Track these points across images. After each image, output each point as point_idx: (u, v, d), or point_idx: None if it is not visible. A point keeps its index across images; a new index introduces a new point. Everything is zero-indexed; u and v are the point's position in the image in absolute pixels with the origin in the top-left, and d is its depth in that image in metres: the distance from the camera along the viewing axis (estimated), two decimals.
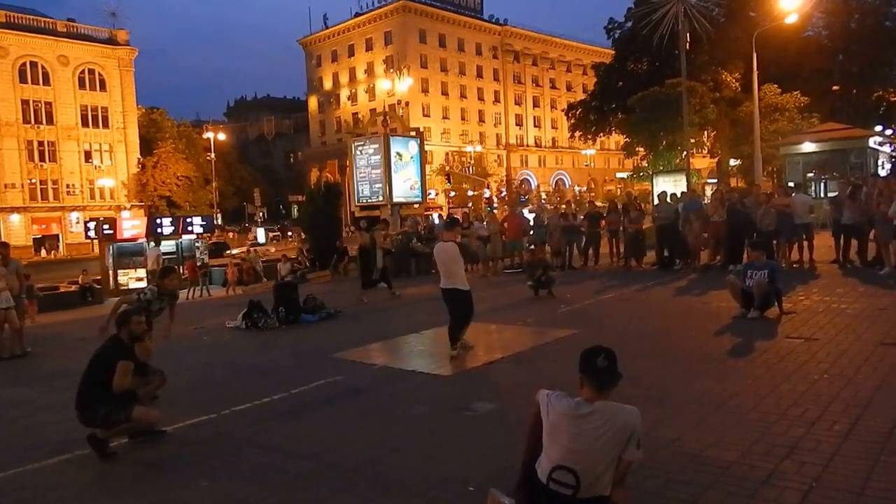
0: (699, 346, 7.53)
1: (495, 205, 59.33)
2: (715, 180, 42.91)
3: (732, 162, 44.40)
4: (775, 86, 39.39)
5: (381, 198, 20.58)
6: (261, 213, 50.90)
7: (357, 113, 78.53)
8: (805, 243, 13.46)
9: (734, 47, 37.98)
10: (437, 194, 64.71)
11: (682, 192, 17.40)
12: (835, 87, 45.72)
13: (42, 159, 59.03)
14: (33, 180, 58.67)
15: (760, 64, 28.85)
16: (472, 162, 72.36)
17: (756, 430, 4.67)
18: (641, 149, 44.01)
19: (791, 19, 30.43)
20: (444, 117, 79.42)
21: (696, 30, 29.73)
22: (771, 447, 4.37)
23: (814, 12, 40.91)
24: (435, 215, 36.20)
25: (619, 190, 72.47)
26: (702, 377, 6.22)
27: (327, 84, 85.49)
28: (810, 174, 24.81)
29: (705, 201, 16.89)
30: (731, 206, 14.11)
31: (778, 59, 37.69)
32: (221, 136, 66.67)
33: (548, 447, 3.38)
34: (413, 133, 23.82)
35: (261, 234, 40.83)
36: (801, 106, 39.94)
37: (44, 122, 58.87)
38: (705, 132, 42.41)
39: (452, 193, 67.17)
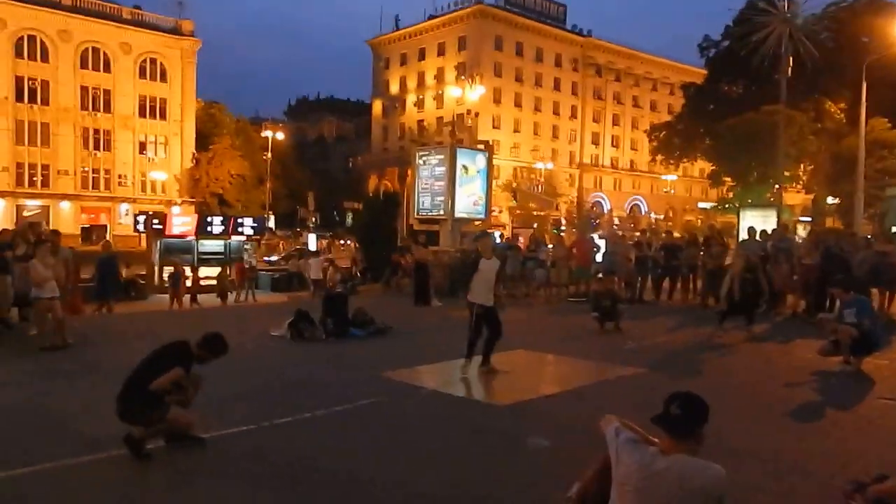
0: (780, 398, 7.36)
1: (563, 227, 58.98)
2: (809, 218, 41.62)
3: (830, 200, 43.01)
4: (885, 120, 38.04)
5: (442, 212, 20.74)
6: (314, 218, 51.63)
7: (423, 120, 79.36)
8: None
9: (841, 75, 36.91)
10: (500, 211, 64.69)
11: (773, 230, 17.00)
12: None
13: (96, 147, 61.18)
14: (86, 168, 60.81)
15: (870, 95, 27.98)
16: (542, 180, 72.09)
17: (839, 499, 4.53)
18: (729, 179, 43.09)
19: None
20: (515, 130, 79.45)
21: (801, 54, 29.12)
22: None
23: None
24: (496, 233, 36.24)
25: (699, 221, 70.98)
26: (782, 434, 6.10)
27: (394, 88, 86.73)
28: None
29: (798, 240, 16.48)
30: (826, 248, 13.72)
31: (890, 92, 36.37)
32: (280, 136, 68.10)
33: (615, 498, 3.34)
34: (481, 146, 23.95)
35: (312, 239, 41.55)
36: None
37: (101, 109, 61.01)
38: (802, 165, 41.26)
39: (518, 212, 67.04)
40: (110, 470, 5.25)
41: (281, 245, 45.43)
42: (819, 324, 8.95)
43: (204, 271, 23.66)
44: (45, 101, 58.74)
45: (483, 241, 9.44)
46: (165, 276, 21.59)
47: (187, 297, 20.03)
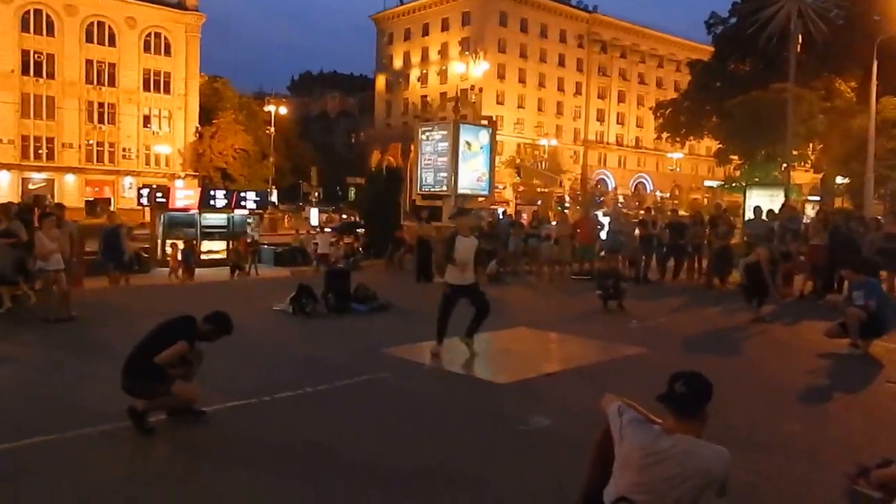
0: (786, 381, 7.24)
1: (567, 204, 58.77)
2: (818, 198, 41.31)
3: (839, 180, 42.62)
4: None
5: (445, 187, 20.57)
6: (316, 193, 51.61)
7: (426, 96, 78.84)
8: None
9: (852, 53, 36.39)
10: (504, 188, 64.44)
11: (781, 209, 16.77)
12: None
13: (101, 121, 61.32)
14: (91, 142, 61.04)
15: (881, 74, 27.58)
16: (546, 156, 71.70)
17: (844, 483, 4.46)
18: (736, 157, 42.73)
19: None
20: (519, 106, 78.92)
21: (810, 32, 28.67)
22: None
23: None
24: (500, 210, 36.05)
25: (705, 200, 70.63)
26: (787, 417, 5.99)
27: (397, 63, 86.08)
28: None
29: (805, 220, 16.27)
30: (834, 228, 13.52)
31: None
32: (283, 111, 67.87)
33: (616, 475, 3.29)
34: (485, 122, 23.75)
35: (314, 214, 41.55)
36: None
37: (106, 83, 61.12)
38: (811, 144, 40.86)
39: (521, 188, 66.76)
40: (117, 442, 5.21)
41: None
42: (830, 304, 8.79)
43: (206, 245, 23.64)
44: (51, 75, 58.97)
45: (460, 218, 8.92)
46: (174, 250, 21.57)
47: (180, 270, 19.98)
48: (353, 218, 35.56)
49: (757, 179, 35.17)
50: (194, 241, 21.83)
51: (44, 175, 58.96)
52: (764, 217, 15.12)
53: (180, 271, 20.07)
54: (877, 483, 4.25)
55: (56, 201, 32.27)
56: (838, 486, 4.44)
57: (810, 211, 23.87)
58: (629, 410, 3.39)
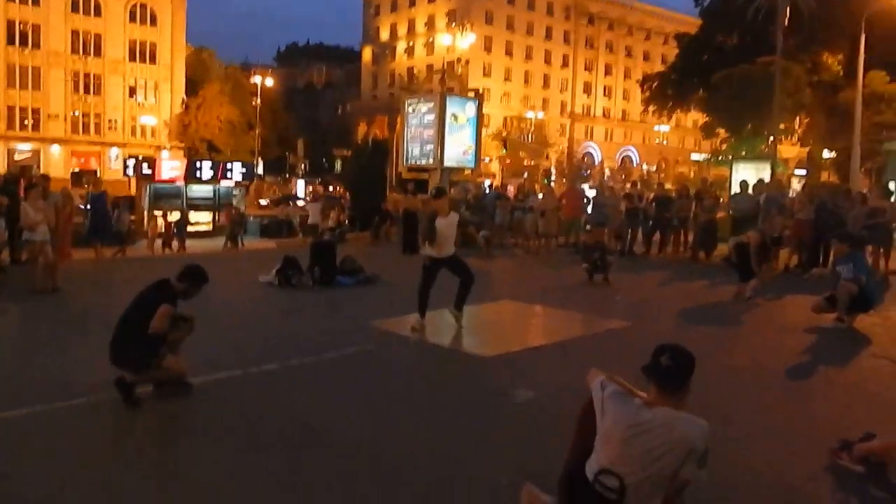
0: (772, 356, 7.18)
1: (553, 177, 58.63)
2: (804, 171, 41.31)
3: (826, 154, 42.62)
4: (884, 73, 37.38)
5: (431, 160, 20.34)
6: (303, 165, 51.29)
7: (413, 68, 78.09)
8: None
9: (839, 27, 36.14)
10: (490, 161, 64.14)
11: (762, 180, 16.66)
12: None
13: (87, 92, 60.86)
14: (76, 112, 60.59)
15: (868, 48, 27.43)
16: (532, 129, 71.35)
17: (826, 458, 4.42)
18: (722, 130, 42.64)
19: None
20: (506, 79, 78.41)
21: (797, 5, 28.46)
22: (842, 478, 4.16)
23: None
24: (486, 182, 35.82)
25: (692, 173, 70.63)
26: (774, 393, 5.96)
27: (384, 35, 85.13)
28: None
29: (791, 194, 16.21)
30: (820, 203, 13.45)
31: (890, 44, 35.67)
32: (269, 82, 67.02)
33: (598, 448, 3.24)
34: (471, 94, 23.47)
35: (301, 185, 41.24)
36: None
37: (91, 53, 60.59)
38: (797, 118, 40.78)
39: (508, 161, 66.49)
40: (105, 413, 5.16)
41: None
42: (816, 278, 8.73)
43: (192, 217, 23.37)
44: (37, 45, 58.46)
45: (437, 200, 8.53)
46: (153, 221, 21.28)
47: (159, 241, 19.70)
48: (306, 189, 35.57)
49: (743, 153, 35.09)
50: (180, 213, 21.55)
51: (29, 146, 58.50)
52: (750, 190, 15.04)
53: (159, 242, 19.76)
54: (859, 457, 4.24)
55: (42, 172, 31.87)
56: (821, 460, 4.39)
57: (796, 185, 23.85)
58: (611, 384, 3.34)
